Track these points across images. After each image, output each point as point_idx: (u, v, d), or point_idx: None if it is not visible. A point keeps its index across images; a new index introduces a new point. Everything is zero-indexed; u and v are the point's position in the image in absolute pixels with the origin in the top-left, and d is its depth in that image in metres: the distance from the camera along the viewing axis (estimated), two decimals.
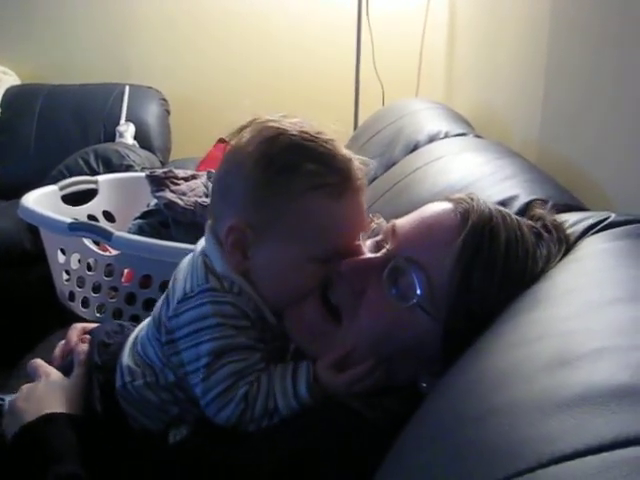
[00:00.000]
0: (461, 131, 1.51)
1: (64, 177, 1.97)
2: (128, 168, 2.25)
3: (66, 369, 0.83)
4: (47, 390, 0.79)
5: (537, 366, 0.46)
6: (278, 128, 0.68)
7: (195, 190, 1.60)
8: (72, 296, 1.48)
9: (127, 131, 2.54)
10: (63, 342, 0.90)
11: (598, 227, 0.72)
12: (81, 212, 1.74)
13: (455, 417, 0.48)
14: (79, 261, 1.47)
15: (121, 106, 2.61)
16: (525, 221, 0.70)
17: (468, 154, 1.24)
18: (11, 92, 2.74)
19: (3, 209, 2.18)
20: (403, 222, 0.70)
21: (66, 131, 2.60)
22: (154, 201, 1.59)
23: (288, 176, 0.66)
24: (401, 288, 0.65)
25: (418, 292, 0.64)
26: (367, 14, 2.52)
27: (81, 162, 2.28)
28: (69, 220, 1.43)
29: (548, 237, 0.68)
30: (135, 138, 2.55)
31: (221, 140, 2.11)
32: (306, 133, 0.68)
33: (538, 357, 0.47)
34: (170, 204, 1.52)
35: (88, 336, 0.88)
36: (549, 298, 0.59)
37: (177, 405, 0.74)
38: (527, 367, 0.47)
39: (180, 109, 2.77)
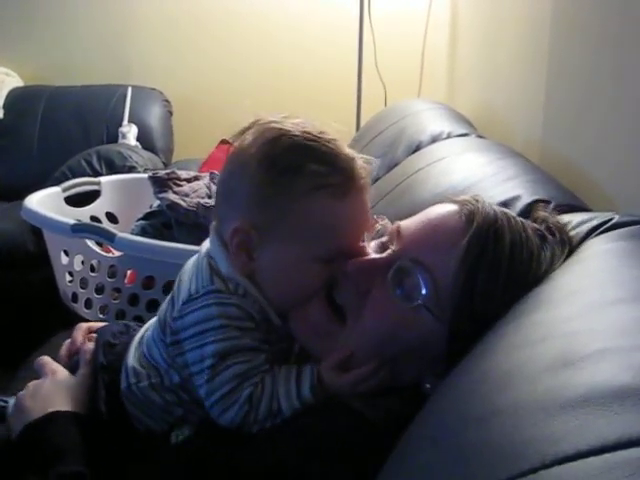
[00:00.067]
0: (463, 131, 1.51)
1: (67, 178, 1.97)
2: (131, 169, 2.25)
3: (72, 369, 0.84)
4: (53, 388, 0.80)
5: (540, 367, 0.46)
6: (280, 129, 0.68)
7: (198, 191, 1.60)
8: (75, 297, 1.48)
9: (130, 132, 2.54)
10: (69, 341, 0.91)
11: (602, 228, 0.72)
12: (84, 213, 1.74)
13: (458, 418, 0.48)
14: (82, 262, 1.47)
15: (124, 107, 2.61)
16: (529, 223, 0.70)
17: (470, 154, 1.24)
18: (14, 94, 2.74)
19: (6, 210, 2.18)
20: (408, 223, 0.70)
21: (69, 132, 2.60)
22: (157, 202, 1.59)
23: (291, 177, 0.67)
24: (406, 289, 0.66)
25: (423, 292, 0.64)
26: (369, 14, 2.52)
27: (84, 163, 2.29)
28: (72, 221, 1.43)
29: (552, 239, 0.68)
30: (138, 139, 2.56)
31: (223, 141, 2.11)
32: (308, 133, 0.68)
33: (541, 358, 0.48)
34: (173, 205, 1.52)
35: (94, 335, 0.88)
36: (552, 299, 0.59)
37: (181, 406, 0.74)
38: (530, 368, 0.47)
39: (181, 110, 2.77)
